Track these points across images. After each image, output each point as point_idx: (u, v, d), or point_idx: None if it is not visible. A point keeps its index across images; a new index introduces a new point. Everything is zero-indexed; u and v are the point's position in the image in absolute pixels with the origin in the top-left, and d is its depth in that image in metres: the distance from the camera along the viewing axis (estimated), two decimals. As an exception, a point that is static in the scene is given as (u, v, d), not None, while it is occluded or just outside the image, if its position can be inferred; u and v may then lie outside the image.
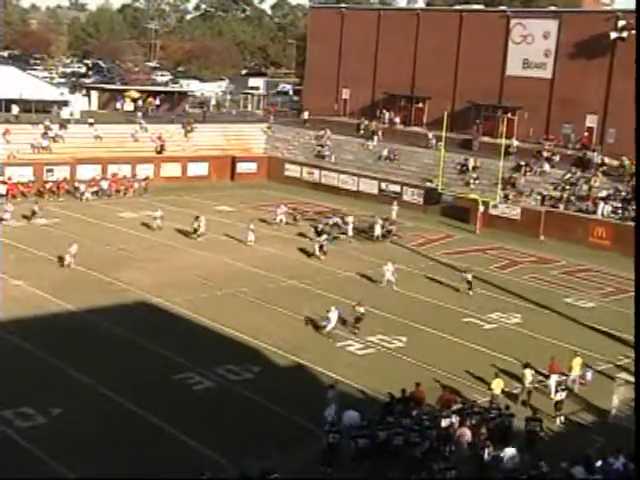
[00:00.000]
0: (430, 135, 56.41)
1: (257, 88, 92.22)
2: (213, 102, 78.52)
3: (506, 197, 48.23)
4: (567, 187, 48.01)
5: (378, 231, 42.35)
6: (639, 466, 12.04)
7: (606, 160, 48.77)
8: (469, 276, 34.08)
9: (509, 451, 19.14)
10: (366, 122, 61.43)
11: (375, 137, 58.62)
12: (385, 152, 56.69)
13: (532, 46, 56.07)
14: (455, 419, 20.62)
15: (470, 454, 19.41)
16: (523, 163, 50.94)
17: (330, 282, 34.54)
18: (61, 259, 34.63)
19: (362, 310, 28.46)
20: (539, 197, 47.96)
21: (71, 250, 34.43)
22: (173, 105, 70.54)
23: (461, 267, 36.42)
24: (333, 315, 27.77)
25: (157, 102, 68.26)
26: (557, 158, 51.07)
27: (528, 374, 23.82)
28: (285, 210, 45.31)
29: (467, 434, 19.96)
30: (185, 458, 19.25)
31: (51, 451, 19.51)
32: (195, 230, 40.46)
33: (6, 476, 18.25)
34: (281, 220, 44.35)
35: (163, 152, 57.31)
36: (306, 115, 65.48)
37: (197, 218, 40.87)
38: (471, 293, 33.77)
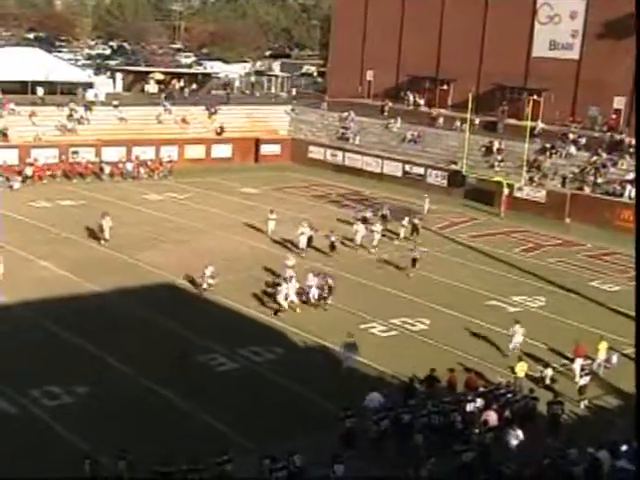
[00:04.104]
0: (441, 120, 56.53)
1: (270, 71, 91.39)
2: (237, 84, 78.43)
3: (531, 180, 47.86)
4: (593, 169, 47.53)
5: (403, 232, 38.99)
6: (639, 465, 11.94)
7: (633, 142, 48.18)
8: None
9: (513, 433, 19.18)
10: (390, 104, 61.14)
11: (399, 119, 58.29)
12: (409, 134, 56.41)
13: (559, 27, 55.37)
14: (480, 402, 20.62)
15: (494, 437, 19.38)
16: (549, 145, 50.47)
17: (349, 265, 34.52)
18: (100, 231, 35.33)
19: (333, 238, 34.16)
20: (560, 179, 47.49)
21: (105, 222, 34.91)
22: (197, 87, 70.54)
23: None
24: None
25: (181, 84, 68.31)
26: (583, 140, 50.54)
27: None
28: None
29: (493, 417, 19.94)
30: (208, 439, 19.39)
31: (76, 429, 19.80)
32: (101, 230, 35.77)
33: (32, 453, 18.51)
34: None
35: (222, 134, 58.16)
36: (325, 105, 64.35)
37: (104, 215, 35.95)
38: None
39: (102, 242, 34.95)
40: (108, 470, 17.17)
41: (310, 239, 35.57)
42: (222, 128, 58.56)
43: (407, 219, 39.51)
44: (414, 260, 33.71)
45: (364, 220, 39.15)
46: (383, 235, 37.98)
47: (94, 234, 36.38)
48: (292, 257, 32.16)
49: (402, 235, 38.86)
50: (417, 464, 17.18)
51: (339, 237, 36.78)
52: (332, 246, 35.51)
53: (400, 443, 19.14)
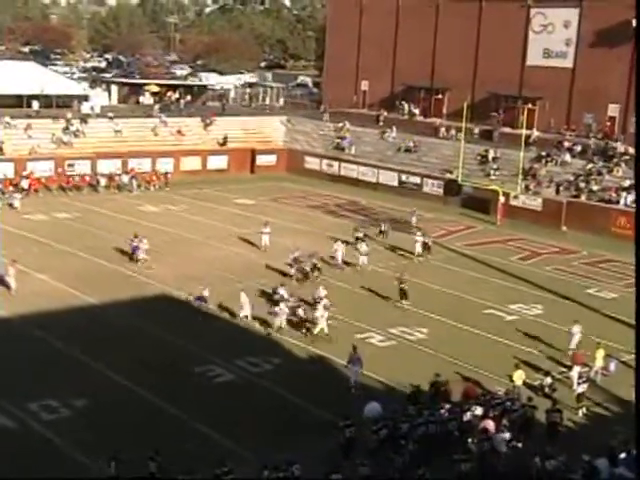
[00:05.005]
0: (443, 128, 56.44)
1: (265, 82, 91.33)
2: (232, 95, 78.56)
3: (527, 188, 47.94)
4: (589, 177, 47.64)
5: (419, 248, 37.63)
6: (639, 466, 11.91)
7: (629, 149, 48.31)
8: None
9: (499, 436, 19.17)
10: (385, 114, 61.29)
11: (394, 128, 58.40)
12: (404, 144, 56.49)
13: (553, 35, 55.63)
14: (478, 411, 20.60)
15: (492, 446, 19.36)
16: (544, 153, 50.60)
17: (350, 274, 34.53)
18: (132, 255, 34.55)
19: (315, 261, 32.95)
20: (555, 186, 47.56)
21: (142, 245, 34.20)
22: (192, 98, 70.65)
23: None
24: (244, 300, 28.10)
25: (176, 96, 68.43)
26: (579, 148, 50.68)
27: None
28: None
29: (491, 426, 19.92)
30: (207, 450, 19.34)
31: (75, 443, 19.74)
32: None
33: (31, 467, 18.44)
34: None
35: (226, 144, 58.41)
36: (326, 115, 64.28)
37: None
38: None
39: (138, 264, 34.08)
40: (133, 471, 17.23)
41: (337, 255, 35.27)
42: (226, 138, 58.65)
43: (420, 233, 38.55)
44: (403, 291, 30.86)
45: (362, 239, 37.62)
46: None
47: (90, 246, 36.42)
48: (322, 288, 29.62)
49: (418, 251, 37.41)
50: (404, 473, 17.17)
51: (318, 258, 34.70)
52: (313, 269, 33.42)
53: (394, 452, 19.08)
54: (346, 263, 35.53)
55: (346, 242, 37.09)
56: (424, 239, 37.91)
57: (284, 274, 32.99)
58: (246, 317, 28.22)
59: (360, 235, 38.17)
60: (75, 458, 19.17)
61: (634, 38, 48.48)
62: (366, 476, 17.82)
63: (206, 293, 29.45)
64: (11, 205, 43.91)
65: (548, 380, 23.69)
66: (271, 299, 29.55)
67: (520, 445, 19.51)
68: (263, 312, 28.65)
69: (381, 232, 40.94)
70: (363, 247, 35.79)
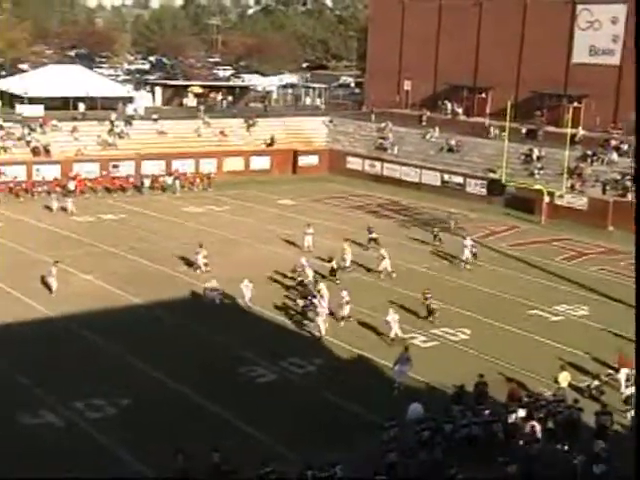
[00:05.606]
0: (492, 128, 55.71)
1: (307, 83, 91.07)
2: (274, 96, 78.85)
3: (572, 187, 47.30)
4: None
5: (467, 254, 36.40)
6: (639, 468, 11.67)
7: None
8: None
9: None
10: (428, 113, 60.99)
11: (437, 128, 58.05)
12: (447, 143, 56.14)
13: (599, 32, 54.79)
14: (522, 412, 20.38)
15: (539, 448, 19.12)
16: (590, 152, 49.88)
17: (383, 277, 34.42)
18: (192, 264, 34.31)
19: (334, 264, 33.03)
20: (601, 185, 46.86)
21: (199, 257, 33.86)
22: (235, 100, 71.08)
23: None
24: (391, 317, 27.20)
25: (219, 97, 68.89)
26: (626, 147, 49.84)
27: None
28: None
29: (536, 428, 19.67)
30: (250, 450, 19.40)
31: (121, 441, 19.96)
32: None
33: (78, 466, 18.70)
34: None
35: (273, 144, 58.73)
36: (372, 116, 64.25)
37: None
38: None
39: (198, 272, 33.65)
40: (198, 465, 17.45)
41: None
42: (273, 139, 58.92)
43: (469, 238, 37.45)
44: (429, 308, 29.28)
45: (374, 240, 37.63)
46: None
47: (135, 247, 36.88)
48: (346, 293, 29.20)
49: (467, 257, 36.12)
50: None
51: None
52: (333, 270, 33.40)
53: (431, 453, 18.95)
54: (368, 269, 34.85)
55: (359, 244, 37.10)
56: (472, 248, 36.49)
57: (323, 276, 32.87)
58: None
59: (374, 236, 37.90)
60: (120, 456, 19.39)
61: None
62: (393, 463, 17.87)
63: (215, 284, 29.94)
64: (63, 208, 44.04)
65: (595, 382, 23.34)
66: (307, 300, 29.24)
67: (566, 448, 19.24)
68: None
69: (435, 237, 39.89)
70: (383, 251, 34.52)
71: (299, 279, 31.61)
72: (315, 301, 27.86)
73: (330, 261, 33.74)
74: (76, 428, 20.74)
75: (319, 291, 28.73)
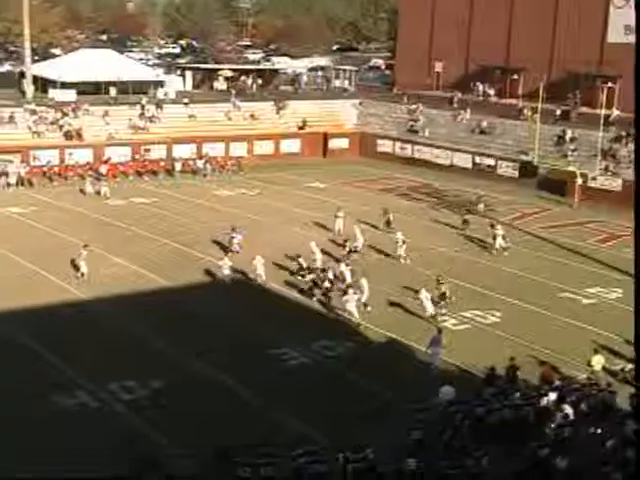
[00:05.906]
0: (525, 109, 55.01)
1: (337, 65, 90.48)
2: (304, 79, 78.60)
3: (606, 169, 46.68)
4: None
5: (500, 242, 35.51)
6: (639, 466, 11.48)
7: None
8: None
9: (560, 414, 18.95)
10: (459, 95, 60.46)
11: (468, 110, 57.52)
12: (479, 125, 55.63)
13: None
14: (553, 396, 20.24)
15: (571, 432, 18.99)
16: (624, 133, 49.13)
17: (421, 258, 34.28)
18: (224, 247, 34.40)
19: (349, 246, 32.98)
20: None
21: (235, 239, 34.04)
22: (265, 83, 70.99)
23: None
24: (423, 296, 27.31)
25: (250, 80, 68.86)
26: (661, 127, 48.97)
27: None
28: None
29: (569, 411, 19.53)
30: (280, 433, 19.50)
31: (152, 423, 20.19)
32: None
33: (109, 446, 18.93)
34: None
35: (305, 127, 58.71)
36: (404, 98, 63.75)
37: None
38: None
39: (230, 254, 32.96)
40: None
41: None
42: (305, 122, 58.81)
43: (499, 226, 36.54)
44: (443, 293, 28.51)
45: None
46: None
47: (167, 231, 37.17)
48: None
49: (500, 244, 35.28)
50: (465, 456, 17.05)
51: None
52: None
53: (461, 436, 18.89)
54: (386, 255, 34.56)
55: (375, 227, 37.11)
56: (502, 239, 35.48)
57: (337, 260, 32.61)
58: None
59: (391, 218, 37.55)
60: (151, 436, 19.60)
61: None
62: (418, 440, 17.94)
63: (227, 261, 30.38)
64: (97, 192, 44.40)
65: (629, 366, 23.09)
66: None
67: (599, 431, 19.08)
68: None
69: (465, 221, 39.55)
70: (399, 235, 34.10)
71: (306, 264, 30.99)
72: (350, 290, 27.59)
73: (344, 245, 33.70)
74: (110, 409, 21.00)
75: (356, 281, 28.70)
